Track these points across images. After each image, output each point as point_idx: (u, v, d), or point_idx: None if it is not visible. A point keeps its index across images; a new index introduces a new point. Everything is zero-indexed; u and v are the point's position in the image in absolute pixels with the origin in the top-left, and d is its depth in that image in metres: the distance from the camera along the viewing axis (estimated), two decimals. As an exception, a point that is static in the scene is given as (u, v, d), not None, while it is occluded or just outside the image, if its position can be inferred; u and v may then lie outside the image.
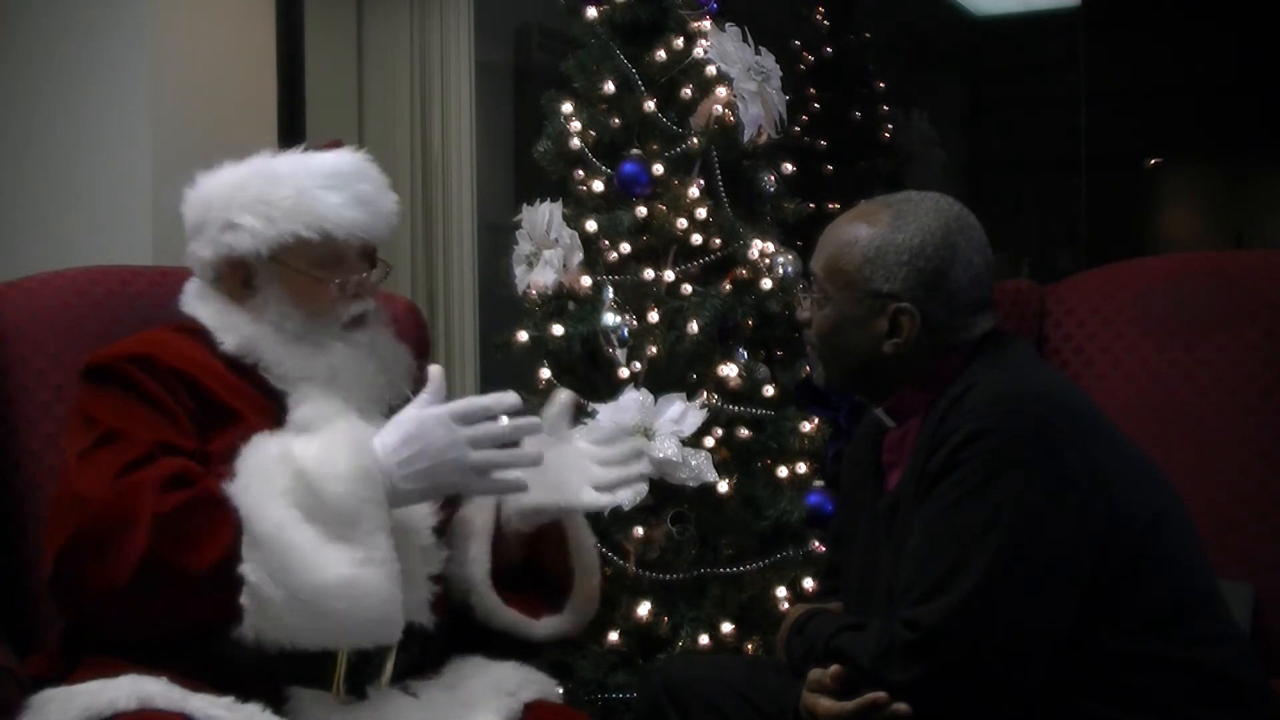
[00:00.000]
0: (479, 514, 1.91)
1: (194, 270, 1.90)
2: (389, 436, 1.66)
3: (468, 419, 1.66)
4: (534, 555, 1.93)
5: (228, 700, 1.58)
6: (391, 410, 1.80)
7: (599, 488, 1.85)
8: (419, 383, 1.86)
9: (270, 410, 1.80)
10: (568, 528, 1.94)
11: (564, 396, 1.94)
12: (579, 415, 2.45)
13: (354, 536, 1.59)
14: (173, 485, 1.63)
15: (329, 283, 1.83)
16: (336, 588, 1.57)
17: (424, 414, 1.67)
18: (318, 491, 1.59)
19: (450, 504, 1.89)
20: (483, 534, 1.89)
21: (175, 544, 1.59)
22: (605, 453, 1.90)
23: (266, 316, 1.83)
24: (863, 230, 1.73)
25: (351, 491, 1.60)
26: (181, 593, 1.60)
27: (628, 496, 1.83)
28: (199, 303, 1.89)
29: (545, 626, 1.91)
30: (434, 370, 1.72)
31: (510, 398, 1.68)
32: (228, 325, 1.84)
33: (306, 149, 1.89)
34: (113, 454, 1.67)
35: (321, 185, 1.82)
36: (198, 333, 1.85)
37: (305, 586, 1.57)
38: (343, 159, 1.88)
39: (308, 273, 1.83)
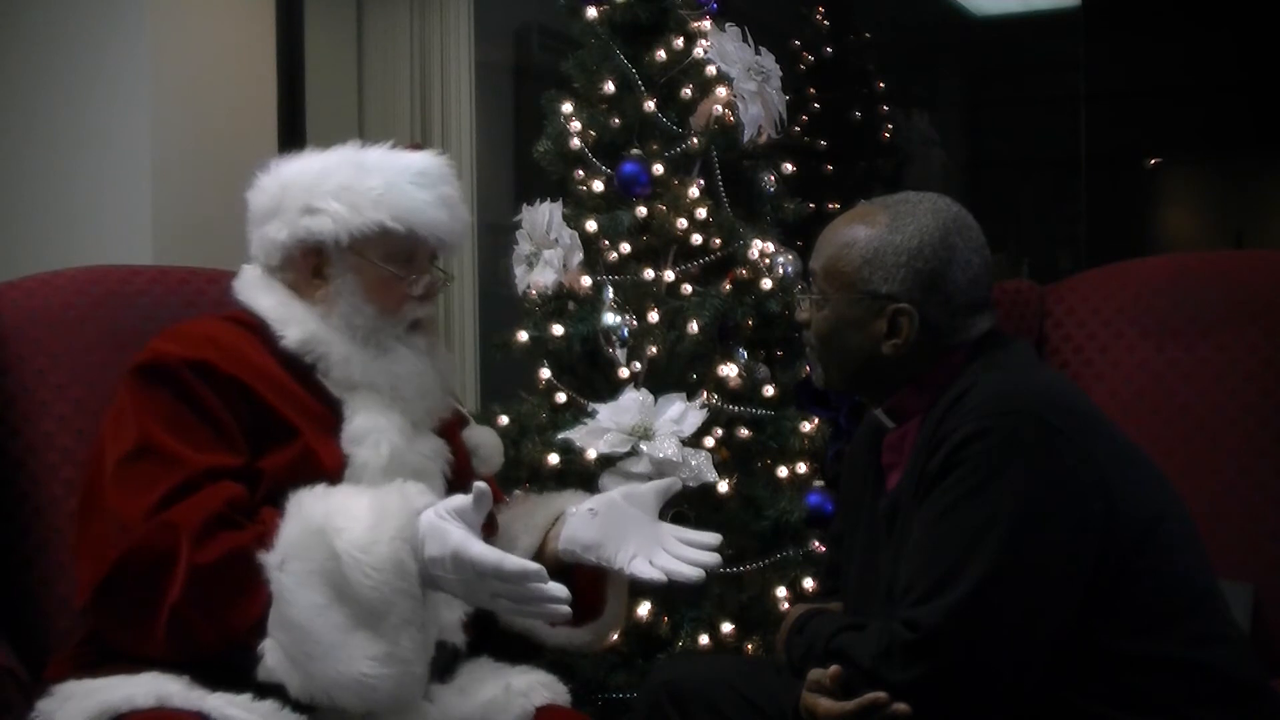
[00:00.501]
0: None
1: (257, 255, 1.87)
2: (431, 547, 1.57)
3: (503, 579, 1.54)
4: (570, 570, 1.88)
5: (245, 698, 1.58)
6: (440, 424, 1.83)
7: (656, 565, 1.74)
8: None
9: (326, 419, 1.77)
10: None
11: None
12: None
13: (381, 628, 1.55)
14: (216, 526, 1.61)
15: (406, 279, 1.82)
16: (352, 686, 1.55)
17: (463, 556, 1.55)
18: (351, 581, 1.55)
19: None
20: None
21: (208, 601, 1.59)
22: (689, 535, 1.80)
23: (336, 310, 1.80)
24: (861, 231, 1.73)
25: (385, 583, 1.55)
26: (210, 642, 1.61)
27: (685, 575, 1.75)
28: (259, 292, 1.85)
29: (558, 635, 1.91)
30: (480, 490, 1.59)
31: (555, 589, 1.54)
32: (291, 318, 1.81)
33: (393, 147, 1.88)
34: (154, 472, 1.65)
35: (410, 181, 1.82)
36: (252, 326, 1.81)
37: (322, 675, 1.56)
38: (431, 160, 1.87)
39: (384, 267, 1.81)
